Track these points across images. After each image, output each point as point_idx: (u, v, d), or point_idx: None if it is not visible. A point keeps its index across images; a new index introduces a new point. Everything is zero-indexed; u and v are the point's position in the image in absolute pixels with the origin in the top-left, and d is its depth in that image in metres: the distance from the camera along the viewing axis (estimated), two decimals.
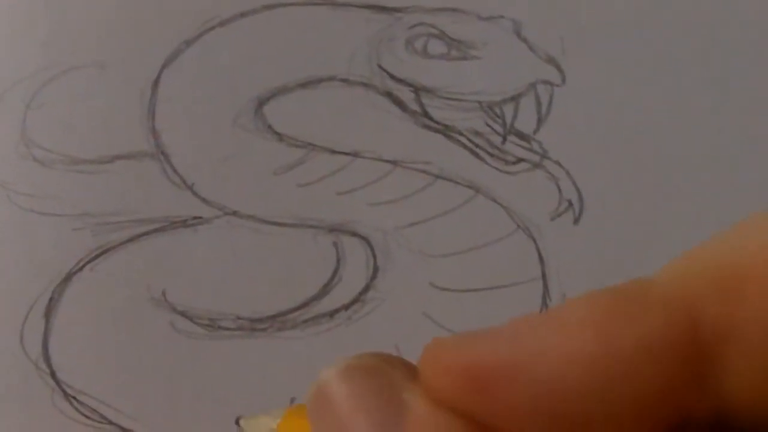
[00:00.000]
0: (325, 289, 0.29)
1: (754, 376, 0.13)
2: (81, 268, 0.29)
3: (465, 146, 0.30)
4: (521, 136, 0.30)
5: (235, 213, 0.29)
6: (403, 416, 0.14)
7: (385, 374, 0.15)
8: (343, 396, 0.15)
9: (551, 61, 0.31)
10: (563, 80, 0.30)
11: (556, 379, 0.13)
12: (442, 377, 0.14)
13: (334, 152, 0.30)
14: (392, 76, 0.30)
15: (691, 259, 0.14)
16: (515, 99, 0.30)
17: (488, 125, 0.30)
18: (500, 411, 0.14)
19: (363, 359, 0.16)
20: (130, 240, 0.29)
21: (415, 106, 0.30)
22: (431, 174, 0.30)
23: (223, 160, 0.30)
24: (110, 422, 0.28)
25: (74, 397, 0.28)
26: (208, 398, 0.28)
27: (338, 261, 0.29)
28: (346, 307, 0.28)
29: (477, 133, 0.30)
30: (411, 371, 0.15)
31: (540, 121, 0.30)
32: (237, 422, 0.27)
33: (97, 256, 0.29)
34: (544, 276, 0.29)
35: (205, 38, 0.31)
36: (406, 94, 0.30)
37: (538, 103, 0.30)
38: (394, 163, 0.30)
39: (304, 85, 0.30)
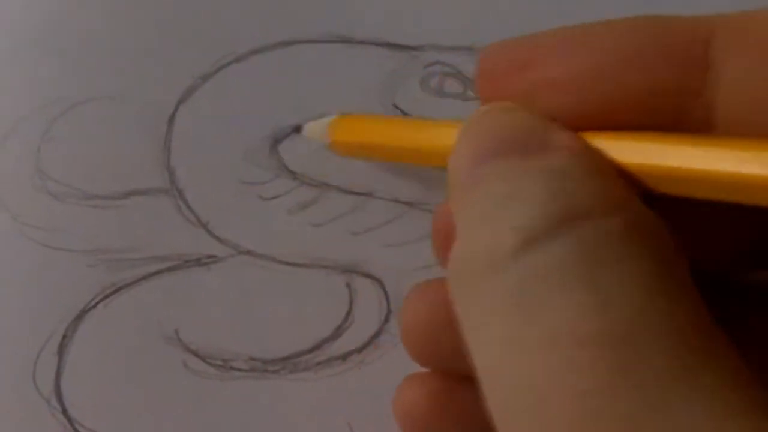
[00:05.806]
0: (338, 331, 0.29)
1: (743, 91, 0.17)
2: (94, 306, 0.29)
3: None
4: None
5: (248, 252, 0.29)
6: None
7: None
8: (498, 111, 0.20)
9: None
10: None
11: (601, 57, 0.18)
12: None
13: (348, 192, 0.30)
14: (407, 115, 0.30)
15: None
16: None
17: None
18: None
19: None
20: (144, 278, 0.29)
21: None
22: None
23: (237, 199, 0.30)
24: None
25: None
26: None
27: (351, 302, 0.29)
28: (359, 350, 0.28)
29: None
30: None
31: None
32: (297, 131, 0.30)
33: (110, 294, 0.29)
34: None
35: (221, 74, 0.31)
36: None
37: None
38: (409, 204, 0.30)
39: None
